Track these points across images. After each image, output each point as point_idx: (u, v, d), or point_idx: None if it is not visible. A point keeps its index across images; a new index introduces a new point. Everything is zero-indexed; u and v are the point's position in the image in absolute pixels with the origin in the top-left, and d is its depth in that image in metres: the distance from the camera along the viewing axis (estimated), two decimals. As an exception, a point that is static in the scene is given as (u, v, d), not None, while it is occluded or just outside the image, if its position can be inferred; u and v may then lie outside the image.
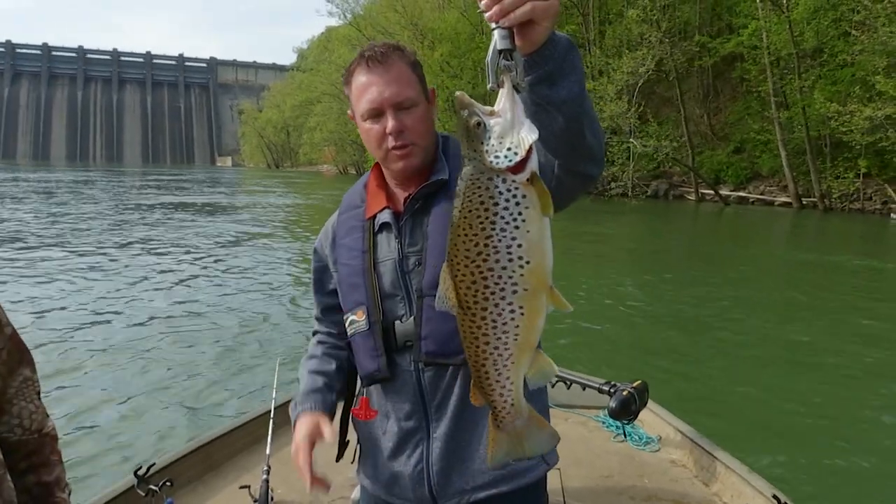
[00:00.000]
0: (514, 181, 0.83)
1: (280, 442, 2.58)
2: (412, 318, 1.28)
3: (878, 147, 21.66)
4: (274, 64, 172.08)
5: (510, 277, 0.85)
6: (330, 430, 1.32)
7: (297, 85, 78.96)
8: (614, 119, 27.19)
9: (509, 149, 0.82)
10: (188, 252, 12.07)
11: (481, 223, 0.83)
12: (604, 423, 3.05)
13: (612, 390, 2.70)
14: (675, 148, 28.95)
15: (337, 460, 1.51)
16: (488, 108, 0.85)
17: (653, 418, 3.00)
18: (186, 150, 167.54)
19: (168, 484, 2.19)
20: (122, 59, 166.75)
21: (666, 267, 11.90)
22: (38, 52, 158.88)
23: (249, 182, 50.99)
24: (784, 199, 26.29)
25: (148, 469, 2.24)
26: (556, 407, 3.09)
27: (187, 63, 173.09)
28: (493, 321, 0.88)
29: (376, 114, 1.24)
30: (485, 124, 0.83)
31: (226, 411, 4.69)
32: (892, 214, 22.12)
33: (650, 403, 2.81)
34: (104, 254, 11.48)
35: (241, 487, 2.30)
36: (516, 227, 0.83)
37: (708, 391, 5.38)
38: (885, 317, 8.08)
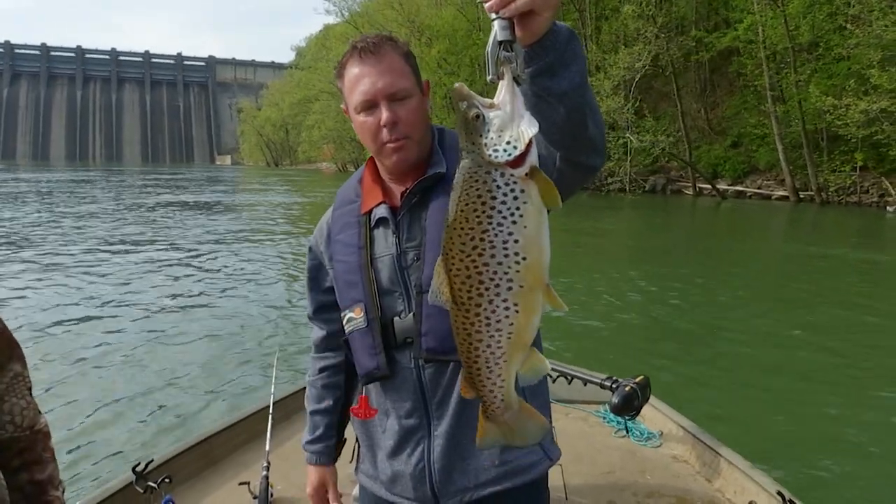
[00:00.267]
0: (512, 175, 0.82)
1: (279, 437, 2.57)
2: (411, 314, 1.27)
3: (874, 140, 21.70)
4: (272, 62, 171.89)
5: (506, 273, 0.83)
6: (334, 495, 1.46)
7: (295, 83, 78.90)
8: (611, 114, 27.26)
9: (508, 142, 0.81)
10: (186, 249, 12.13)
11: (478, 217, 0.82)
12: (605, 418, 3.03)
13: (613, 385, 2.68)
14: (672, 143, 29.02)
15: (334, 460, 1.52)
16: (488, 100, 0.84)
17: (654, 413, 2.98)
18: (185, 148, 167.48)
19: (167, 480, 2.18)
20: (121, 58, 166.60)
21: (665, 261, 11.86)
22: (37, 52, 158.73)
23: (248, 180, 50.99)
24: (781, 192, 26.32)
25: (146, 465, 2.23)
26: (557, 402, 3.07)
27: (186, 62, 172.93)
28: (487, 318, 0.86)
29: (370, 106, 1.22)
30: (484, 117, 0.82)
31: (224, 407, 4.69)
32: (888, 207, 22.22)
33: (651, 398, 2.77)
34: (102, 252, 11.55)
35: (241, 484, 2.27)
36: (513, 223, 0.82)
37: (709, 386, 5.35)
38: (885, 311, 8.05)
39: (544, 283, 0.86)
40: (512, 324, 0.87)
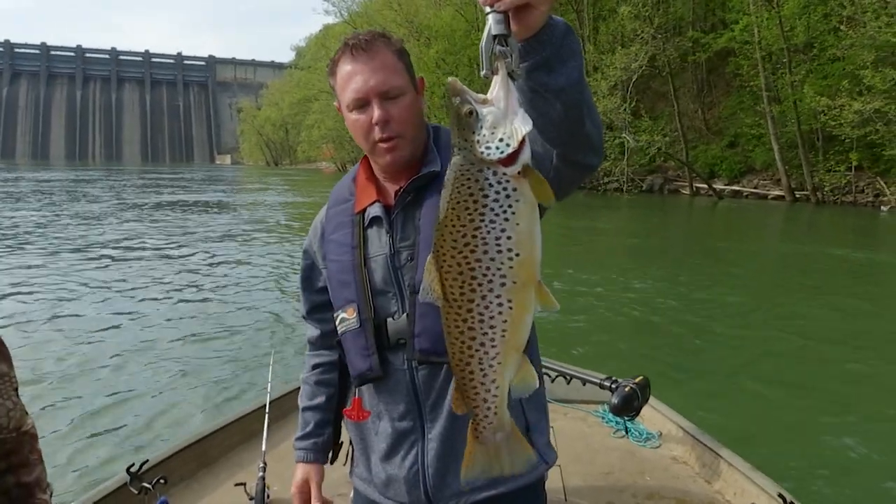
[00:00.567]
0: (504, 174, 0.80)
1: (276, 437, 2.54)
2: (405, 314, 1.25)
3: (869, 140, 21.85)
4: (272, 62, 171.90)
5: (499, 269, 0.82)
6: (317, 495, 1.43)
7: (295, 83, 78.99)
8: (607, 114, 27.40)
9: (501, 140, 0.80)
10: (182, 249, 12.11)
11: (470, 215, 0.81)
12: (603, 418, 3.01)
13: (613, 386, 2.65)
14: (669, 143, 29.16)
15: (331, 463, 1.51)
16: (481, 95, 0.82)
17: (653, 414, 2.94)
18: (185, 148, 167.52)
19: (161, 481, 2.15)
20: (121, 58, 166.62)
21: (662, 261, 11.87)
22: (37, 51, 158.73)
23: (248, 180, 50.97)
24: (777, 192, 26.46)
25: (141, 466, 2.20)
26: (556, 402, 3.06)
27: (186, 61, 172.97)
28: (480, 314, 0.85)
29: (362, 104, 1.20)
30: (477, 113, 0.81)
31: (220, 406, 4.64)
32: (881, 207, 22.37)
33: (650, 399, 2.75)
34: (97, 252, 11.47)
35: (237, 485, 2.23)
36: (506, 220, 0.81)
37: (709, 387, 5.33)
38: (882, 312, 8.07)
39: (536, 280, 0.85)
40: (506, 321, 0.85)
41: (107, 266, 10.07)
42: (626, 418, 2.77)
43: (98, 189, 31.55)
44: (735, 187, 28.26)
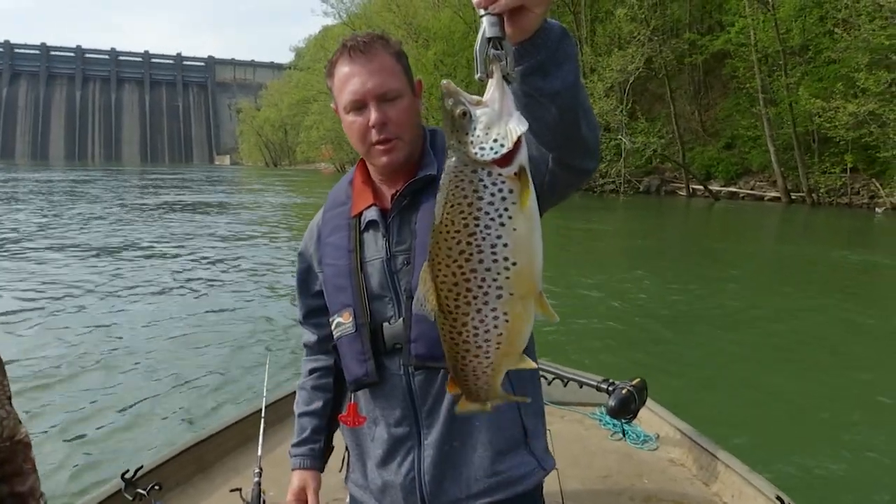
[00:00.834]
0: (500, 175, 0.78)
1: (272, 442, 2.52)
2: (401, 319, 1.24)
3: (864, 142, 21.98)
4: (272, 63, 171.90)
5: (494, 280, 0.79)
6: (314, 502, 1.43)
7: (294, 84, 79.06)
8: (603, 116, 27.53)
9: (495, 140, 0.78)
10: (179, 251, 12.05)
11: (464, 220, 0.79)
12: (601, 420, 3.00)
13: (610, 388, 2.65)
14: (665, 145, 29.30)
15: (322, 469, 1.50)
16: (476, 97, 0.81)
17: (650, 416, 2.93)
18: (185, 148, 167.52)
19: (156, 488, 2.15)
20: (121, 58, 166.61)
21: (659, 263, 11.88)
22: (37, 51, 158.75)
23: (247, 181, 50.95)
24: (773, 194, 26.59)
25: (135, 472, 2.18)
26: (552, 404, 3.04)
27: (185, 62, 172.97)
28: (475, 327, 0.83)
29: (359, 106, 1.20)
30: (470, 114, 0.79)
31: (215, 411, 4.60)
32: (876, 209, 22.50)
33: (647, 401, 2.74)
34: (94, 254, 11.40)
35: (232, 490, 2.20)
36: (501, 225, 0.78)
37: (706, 388, 5.33)
38: (878, 313, 8.12)
39: (536, 291, 0.82)
40: (501, 334, 0.83)
41: (101, 269, 9.99)
42: (623, 421, 2.77)
43: (97, 189, 31.60)
44: (731, 189, 28.40)
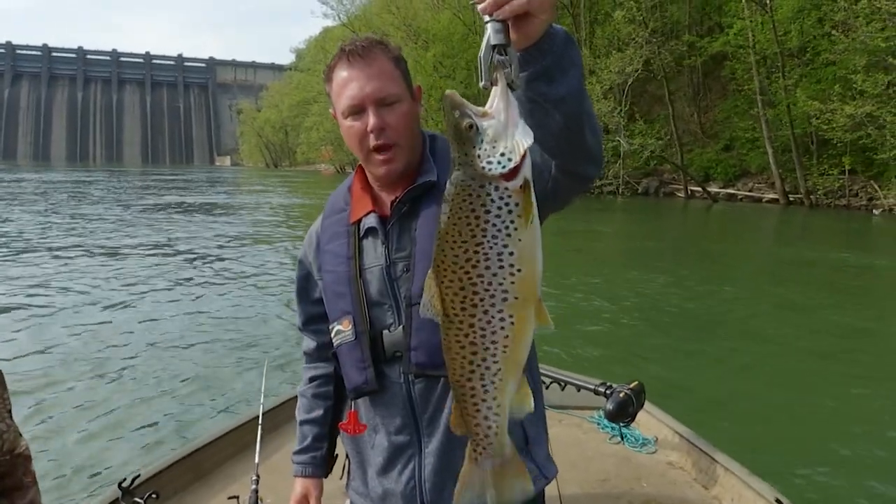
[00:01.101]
0: (507, 189, 0.79)
1: (269, 449, 2.52)
2: (401, 327, 1.23)
3: (862, 144, 22.01)
4: (273, 64, 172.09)
5: (500, 284, 0.81)
6: None
7: (294, 85, 79.20)
8: (602, 117, 27.60)
9: (503, 154, 0.78)
10: (175, 255, 11.95)
11: (471, 231, 0.80)
12: (599, 424, 2.99)
13: (608, 391, 2.64)
14: (663, 146, 29.35)
15: (325, 476, 1.50)
16: (480, 108, 0.81)
17: (648, 419, 2.92)
18: (185, 149, 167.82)
19: (154, 496, 2.15)
20: (122, 59, 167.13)
21: (657, 264, 11.85)
22: (39, 52, 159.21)
23: (248, 182, 50.94)
24: (772, 195, 26.61)
25: (133, 481, 2.17)
26: (550, 408, 3.02)
27: (186, 63, 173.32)
28: (482, 328, 0.83)
29: (357, 110, 1.19)
30: (477, 126, 0.79)
31: (212, 418, 4.56)
32: (874, 211, 22.54)
33: (645, 404, 2.74)
34: (88, 258, 11.32)
35: (230, 498, 2.20)
36: (508, 236, 0.79)
37: (704, 391, 5.30)
38: (876, 314, 8.13)
39: (537, 297, 0.84)
40: (507, 336, 0.84)
41: (98, 273, 9.92)
42: (621, 424, 2.75)
43: (99, 190, 31.66)
44: (730, 190, 28.42)
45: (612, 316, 7.79)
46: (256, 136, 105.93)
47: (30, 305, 7.78)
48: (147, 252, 12.11)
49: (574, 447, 2.79)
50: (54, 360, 5.77)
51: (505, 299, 0.82)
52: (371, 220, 1.27)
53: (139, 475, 2.23)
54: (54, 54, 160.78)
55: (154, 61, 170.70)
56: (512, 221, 0.79)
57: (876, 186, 23.13)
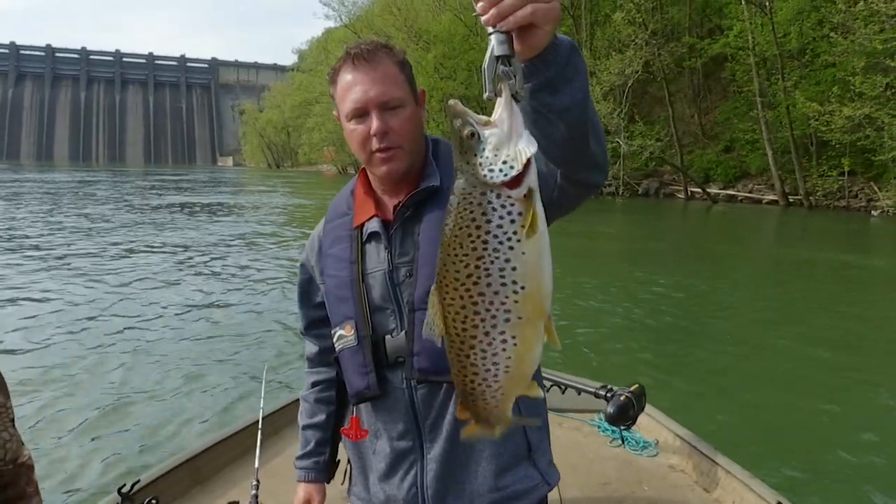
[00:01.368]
0: (509, 197, 0.77)
1: (269, 454, 2.52)
2: (403, 332, 1.22)
3: (861, 145, 22.07)
4: (275, 64, 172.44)
5: (503, 304, 0.79)
6: None
7: (296, 86, 79.33)
8: (602, 119, 27.68)
9: (505, 162, 0.77)
10: (175, 257, 11.86)
11: (472, 243, 0.78)
12: (599, 427, 2.98)
13: (608, 394, 2.63)
14: (663, 148, 29.43)
15: (327, 482, 1.51)
16: (484, 117, 0.80)
17: (649, 422, 2.91)
18: (188, 150, 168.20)
19: (153, 501, 2.15)
20: (125, 59, 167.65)
21: (656, 265, 11.82)
22: (42, 53, 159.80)
23: (250, 182, 50.94)
24: (771, 197, 26.69)
25: (132, 486, 2.17)
26: (551, 411, 2.85)
27: (189, 63, 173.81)
28: (483, 351, 0.82)
29: (361, 114, 1.18)
30: (479, 135, 0.78)
31: (212, 423, 4.54)
32: (872, 212, 22.62)
33: (646, 407, 2.73)
34: (86, 259, 11.21)
35: (230, 503, 2.22)
36: (510, 248, 0.77)
37: (705, 393, 5.27)
38: (874, 315, 8.14)
39: (545, 315, 0.82)
40: (510, 357, 0.83)
41: (98, 274, 9.85)
42: (621, 427, 2.74)
43: (102, 190, 31.75)
44: (730, 192, 28.50)
45: (612, 317, 7.78)
46: (259, 137, 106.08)
47: (29, 305, 7.77)
48: (147, 253, 12.06)
49: (575, 451, 2.78)
50: (51, 364, 5.72)
51: (507, 319, 0.80)
52: (374, 225, 1.27)
53: (139, 481, 2.23)
54: (58, 55, 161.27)
55: (157, 62, 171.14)
56: (514, 232, 0.77)
57: (875, 188, 23.20)
